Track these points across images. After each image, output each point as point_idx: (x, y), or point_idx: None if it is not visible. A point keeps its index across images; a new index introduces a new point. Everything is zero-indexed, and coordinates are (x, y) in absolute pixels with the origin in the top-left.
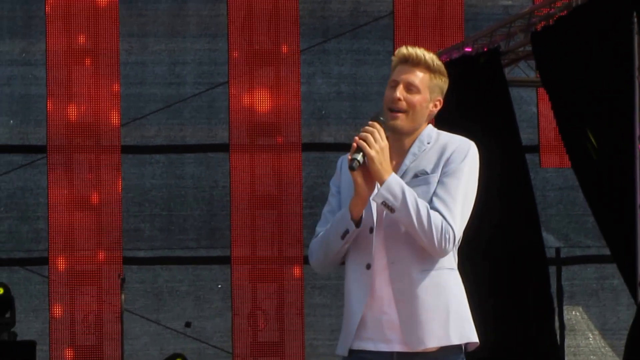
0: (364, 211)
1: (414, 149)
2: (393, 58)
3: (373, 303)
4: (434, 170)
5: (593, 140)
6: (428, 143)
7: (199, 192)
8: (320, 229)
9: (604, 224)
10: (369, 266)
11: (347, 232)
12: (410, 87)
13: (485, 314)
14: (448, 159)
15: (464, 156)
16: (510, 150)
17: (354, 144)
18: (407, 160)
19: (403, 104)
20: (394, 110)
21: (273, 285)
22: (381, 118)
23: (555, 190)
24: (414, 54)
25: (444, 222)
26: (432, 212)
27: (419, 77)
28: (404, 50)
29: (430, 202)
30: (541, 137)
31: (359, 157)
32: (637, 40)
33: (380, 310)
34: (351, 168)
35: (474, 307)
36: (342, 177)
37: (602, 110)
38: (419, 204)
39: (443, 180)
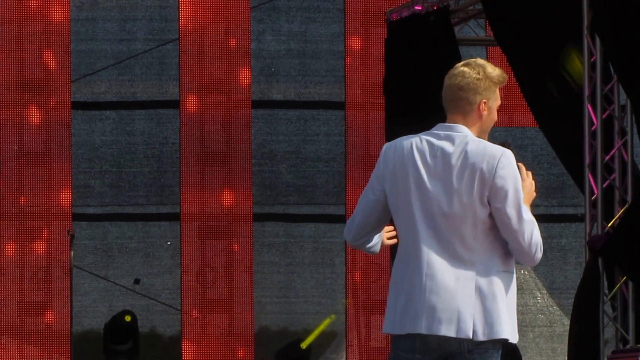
0: None
1: None
2: (498, 77)
3: None
4: None
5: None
6: None
7: (149, 148)
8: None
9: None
10: None
11: None
12: None
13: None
14: None
15: None
16: None
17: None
18: None
19: None
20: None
21: (222, 242)
22: (511, 147)
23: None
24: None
25: None
26: None
27: None
28: (506, 78)
29: None
30: None
31: None
32: (586, 0)
33: None
34: None
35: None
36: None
37: (554, 69)
38: None
39: None
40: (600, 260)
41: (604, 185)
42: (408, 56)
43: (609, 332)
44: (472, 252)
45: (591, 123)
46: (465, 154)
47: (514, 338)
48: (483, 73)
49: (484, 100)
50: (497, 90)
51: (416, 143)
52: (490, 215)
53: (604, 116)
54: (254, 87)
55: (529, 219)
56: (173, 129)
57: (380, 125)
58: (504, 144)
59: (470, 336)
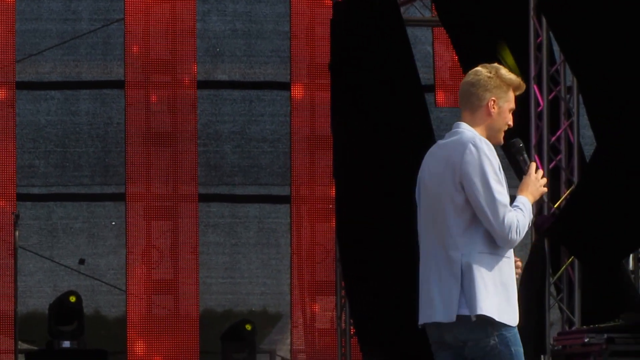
0: None
1: None
2: (511, 80)
3: None
4: None
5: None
6: None
7: (93, 128)
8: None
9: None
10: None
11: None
12: None
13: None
14: None
15: None
16: (409, 89)
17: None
18: None
19: None
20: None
21: (167, 222)
22: (521, 145)
23: (449, 130)
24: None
25: None
26: None
27: None
28: (523, 85)
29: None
30: (436, 77)
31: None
32: None
33: None
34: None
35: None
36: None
37: (495, 55)
38: None
39: None
40: (546, 242)
41: (550, 166)
42: (354, 37)
43: (554, 313)
44: (456, 237)
45: (537, 104)
46: (446, 146)
47: (500, 317)
48: (495, 73)
49: (493, 98)
50: (511, 93)
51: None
52: (468, 200)
53: (550, 97)
54: (199, 68)
55: (501, 200)
56: (118, 109)
57: (326, 106)
58: (513, 144)
59: (454, 319)
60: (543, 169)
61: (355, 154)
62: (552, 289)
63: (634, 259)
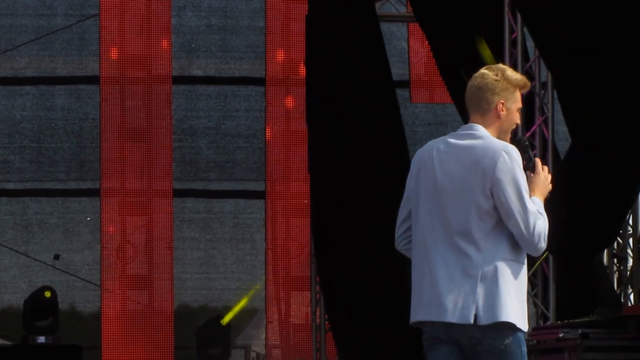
0: None
1: None
2: (517, 80)
3: None
4: None
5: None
6: None
7: (68, 124)
8: None
9: None
10: None
11: None
12: None
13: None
14: None
15: None
16: (380, 85)
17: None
18: None
19: None
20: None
21: (142, 218)
22: (526, 143)
23: (425, 126)
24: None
25: None
26: None
27: None
28: (528, 83)
29: None
30: (411, 73)
31: None
32: None
33: None
34: None
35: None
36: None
37: (473, 47)
38: None
39: None
40: None
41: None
42: (329, 32)
43: (529, 308)
44: (478, 240)
45: None
46: (471, 149)
47: (519, 323)
48: (502, 75)
49: (502, 101)
50: (517, 92)
51: (437, 144)
52: (495, 206)
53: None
54: (174, 63)
55: (532, 210)
56: (93, 105)
57: (301, 101)
58: (519, 142)
59: (472, 321)
60: None
61: (330, 150)
62: (527, 284)
63: (608, 254)
